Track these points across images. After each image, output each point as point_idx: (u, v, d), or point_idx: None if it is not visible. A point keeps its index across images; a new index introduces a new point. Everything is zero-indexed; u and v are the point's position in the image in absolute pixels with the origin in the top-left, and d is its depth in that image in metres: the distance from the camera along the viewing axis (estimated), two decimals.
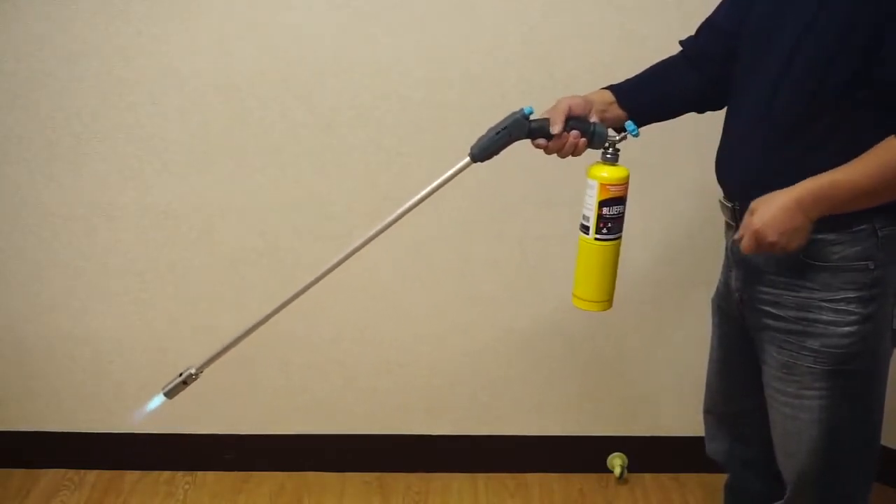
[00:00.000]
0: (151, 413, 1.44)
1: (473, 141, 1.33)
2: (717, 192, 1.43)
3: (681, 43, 1.46)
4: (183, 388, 1.43)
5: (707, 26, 1.43)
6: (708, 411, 1.64)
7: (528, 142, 1.34)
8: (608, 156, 1.31)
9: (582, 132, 1.31)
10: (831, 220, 1.23)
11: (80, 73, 1.86)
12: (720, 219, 1.46)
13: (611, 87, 1.42)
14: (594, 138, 1.31)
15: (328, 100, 1.90)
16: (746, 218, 1.23)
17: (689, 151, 1.92)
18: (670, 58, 1.46)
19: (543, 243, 2.04)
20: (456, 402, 2.18)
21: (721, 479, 1.73)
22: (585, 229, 1.33)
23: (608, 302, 1.38)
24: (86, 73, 1.86)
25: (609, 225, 1.31)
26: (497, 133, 1.30)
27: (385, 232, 2.01)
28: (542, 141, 1.32)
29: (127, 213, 1.98)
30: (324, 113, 1.91)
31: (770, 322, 1.36)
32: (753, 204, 1.23)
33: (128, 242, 2.02)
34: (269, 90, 1.89)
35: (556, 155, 1.34)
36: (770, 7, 1.29)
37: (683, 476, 2.22)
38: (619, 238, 1.34)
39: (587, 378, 2.17)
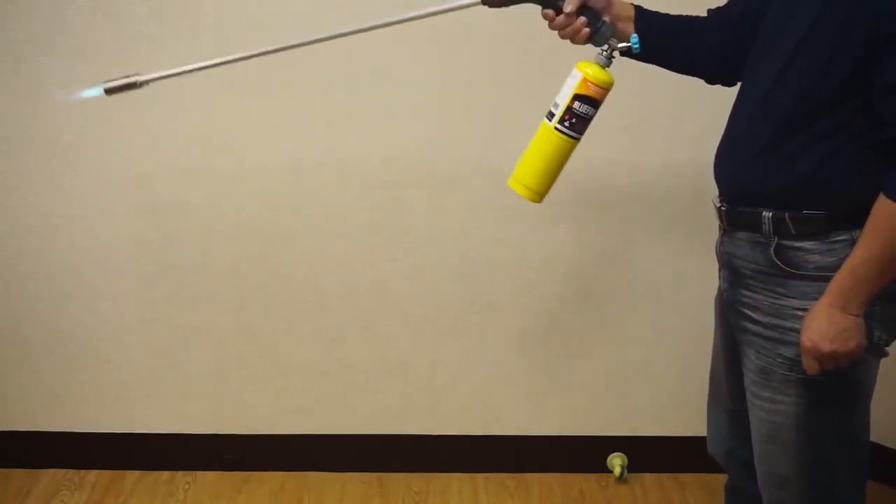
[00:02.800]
0: (84, 98, 1.38)
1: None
2: (716, 190, 1.43)
3: (708, 11, 1.46)
4: (125, 90, 1.36)
5: (722, 8, 1.43)
6: (711, 406, 1.63)
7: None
8: (602, 57, 1.33)
9: (589, 23, 1.32)
10: (811, 229, 1.24)
11: (80, 73, 1.86)
12: None
13: (636, 6, 1.42)
14: (597, 34, 1.33)
15: (328, 100, 1.90)
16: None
17: (689, 149, 1.92)
18: (699, 17, 1.46)
19: (544, 244, 2.04)
20: (456, 402, 2.18)
21: (721, 479, 1.72)
22: (550, 115, 1.33)
23: (540, 195, 1.37)
24: (86, 73, 1.87)
25: (573, 120, 1.31)
26: None
27: (385, 233, 2.02)
28: (550, 12, 1.34)
29: (127, 213, 1.98)
30: (324, 113, 1.91)
31: (749, 326, 1.35)
32: (801, 329, 1.24)
33: (128, 242, 2.02)
34: (269, 90, 1.89)
35: (557, 34, 1.36)
36: (779, 13, 1.29)
37: (683, 476, 2.21)
38: (577, 139, 1.34)
39: (587, 378, 2.17)
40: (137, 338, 2.11)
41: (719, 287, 1.51)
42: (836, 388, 1.30)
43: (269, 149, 1.94)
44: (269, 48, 1.36)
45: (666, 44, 1.43)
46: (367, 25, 1.35)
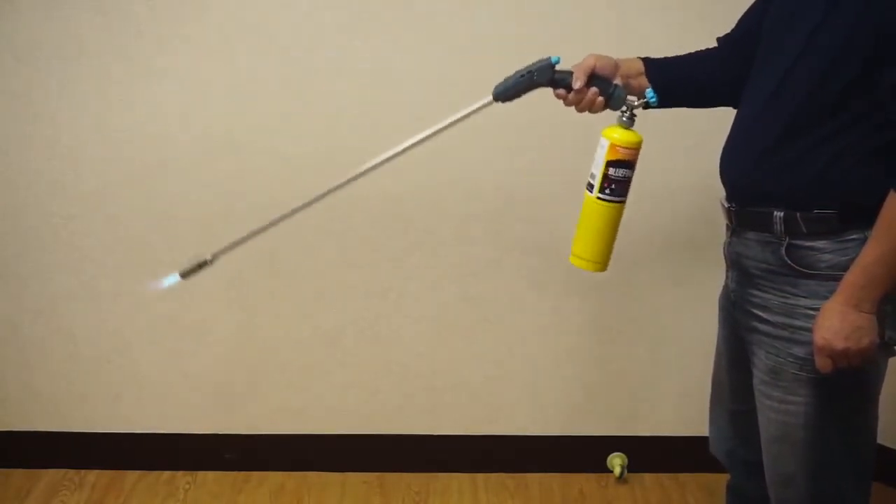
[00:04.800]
0: (164, 288, 1.44)
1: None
2: (720, 191, 1.43)
3: (717, 40, 1.47)
4: (198, 272, 1.44)
5: (730, 33, 1.45)
6: (714, 406, 1.63)
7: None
8: (624, 119, 1.34)
9: (601, 91, 1.34)
10: (822, 228, 1.23)
11: (80, 73, 1.86)
12: (721, 218, 1.46)
13: (644, 59, 1.43)
14: (612, 100, 1.34)
15: (328, 100, 1.90)
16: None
17: (691, 150, 1.92)
18: (708, 49, 1.47)
19: (544, 245, 2.04)
20: (456, 402, 2.18)
21: (721, 478, 1.73)
22: (590, 187, 1.35)
23: (602, 264, 1.40)
24: (86, 73, 1.87)
25: (613, 186, 1.33)
26: (522, 76, 1.33)
27: (385, 233, 2.03)
28: (562, 91, 1.35)
29: (127, 213, 1.98)
30: (324, 113, 1.91)
31: (759, 326, 1.35)
32: (813, 328, 1.24)
33: (128, 242, 2.02)
34: (269, 90, 1.89)
35: (573, 109, 1.37)
36: (782, 12, 1.29)
37: (683, 476, 2.21)
38: (622, 202, 1.35)
39: (587, 378, 2.17)
40: (137, 338, 2.11)
41: (724, 287, 1.50)
42: (847, 387, 1.30)
43: (270, 150, 1.94)
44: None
45: (682, 86, 1.44)
46: (397, 150, 1.44)
